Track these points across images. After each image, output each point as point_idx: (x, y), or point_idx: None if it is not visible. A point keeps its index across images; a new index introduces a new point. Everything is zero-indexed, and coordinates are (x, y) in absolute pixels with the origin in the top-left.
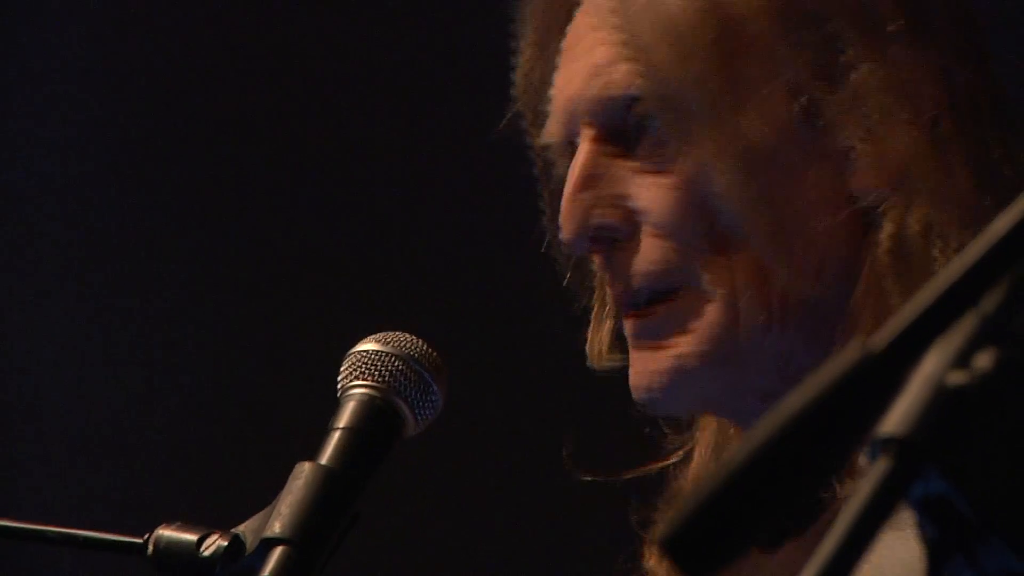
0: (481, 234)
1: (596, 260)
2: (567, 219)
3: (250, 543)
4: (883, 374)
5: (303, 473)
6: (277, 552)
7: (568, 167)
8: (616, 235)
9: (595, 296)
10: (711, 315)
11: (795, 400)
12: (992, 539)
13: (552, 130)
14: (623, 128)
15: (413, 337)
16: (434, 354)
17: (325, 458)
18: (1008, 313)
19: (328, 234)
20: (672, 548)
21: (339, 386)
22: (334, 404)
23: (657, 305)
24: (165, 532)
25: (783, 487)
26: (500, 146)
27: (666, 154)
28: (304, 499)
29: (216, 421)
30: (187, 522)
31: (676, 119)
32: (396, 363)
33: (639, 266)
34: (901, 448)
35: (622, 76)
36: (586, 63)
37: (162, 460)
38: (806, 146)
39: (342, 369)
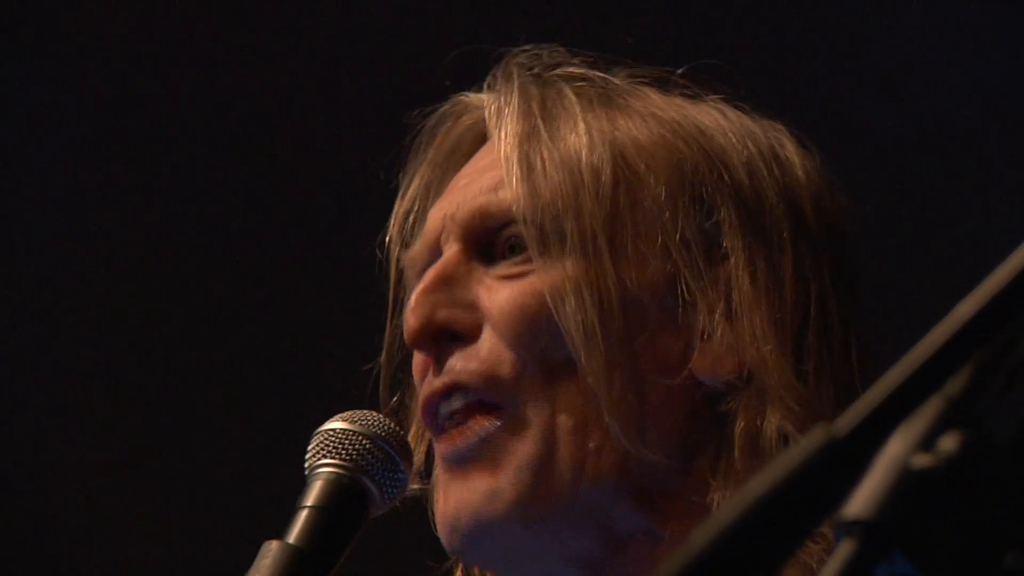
0: None
1: (423, 363)
2: (416, 311)
3: None
4: (848, 457)
5: (271, 552)
6: None
7: (423, 267)
8: (458, 333)
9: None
10: (526, 448)
11: (759, 483)
12: None
13: (419, 248)
14: (491, 244)
15: (380, 416)
16: (401, 433)
17: (293, 536)
18: (972, 397)
19: (299, 314)
20: None
21: (307, 465)
22: (302, 483)
23: (472, 423)
24: None
25: (745, 571)
26: None
27: (527, 269)
28: None
29: (184, 499)
30: None
31: (548, 246)
32: (363, 442)
33: (470, 365)
34: (866, 530)
35: (506, 198)
36: (473, 184)
37: (131, 540)
38: (664, 310)
39: (310, 448)
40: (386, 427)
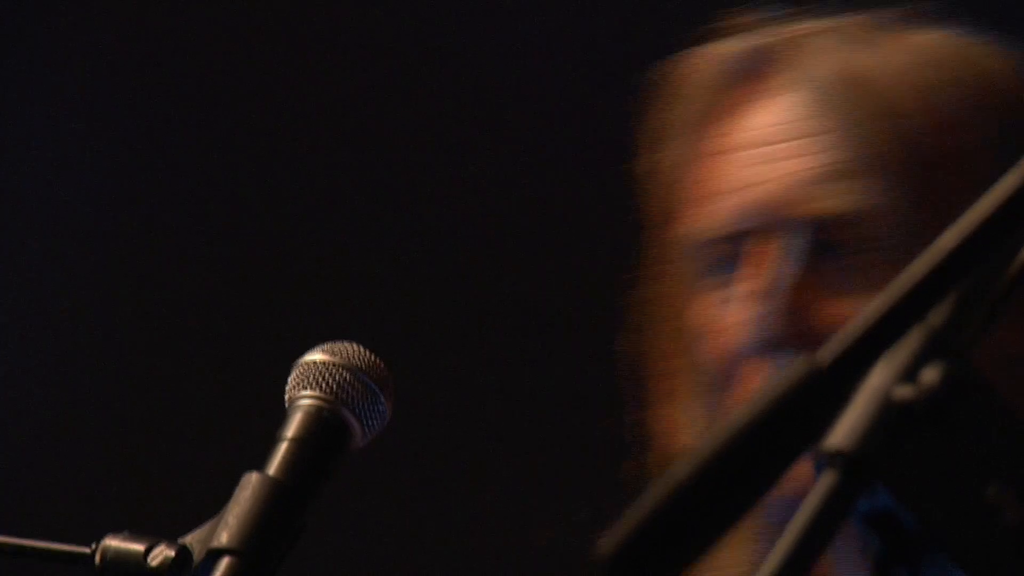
0: (444, 240)
1: (749, 370)
2: (761, 324)
3: (197, 553)
4: (829, 388)
5: (250, 484)
6: (224, 563)
7: (721, 256)
8: (803, 342)
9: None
10: None
11: (741, 414)
12: (936, 554)
13: (731, 223)
14: (829, 241)
15: (361, 348)
16: (381, 365)
17: (272, 469)
18: (954, 327)
19: (281, 247)
20: (614, 566)
21: (287, 396)
22: (282, 414)
23: None
24: (112, 542)
25: (727, 502)
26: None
27: (876, 278)
28: (251, 510)
29: (163, 429)
30: (134, 532)
31: (901, 246)
32: (344, 374)
33: None
34: (847, 462)
35: (849, 193)
36: (801, 166)
37: (108, 468)
38: None
39: (290, 379)
40: (367, 360)
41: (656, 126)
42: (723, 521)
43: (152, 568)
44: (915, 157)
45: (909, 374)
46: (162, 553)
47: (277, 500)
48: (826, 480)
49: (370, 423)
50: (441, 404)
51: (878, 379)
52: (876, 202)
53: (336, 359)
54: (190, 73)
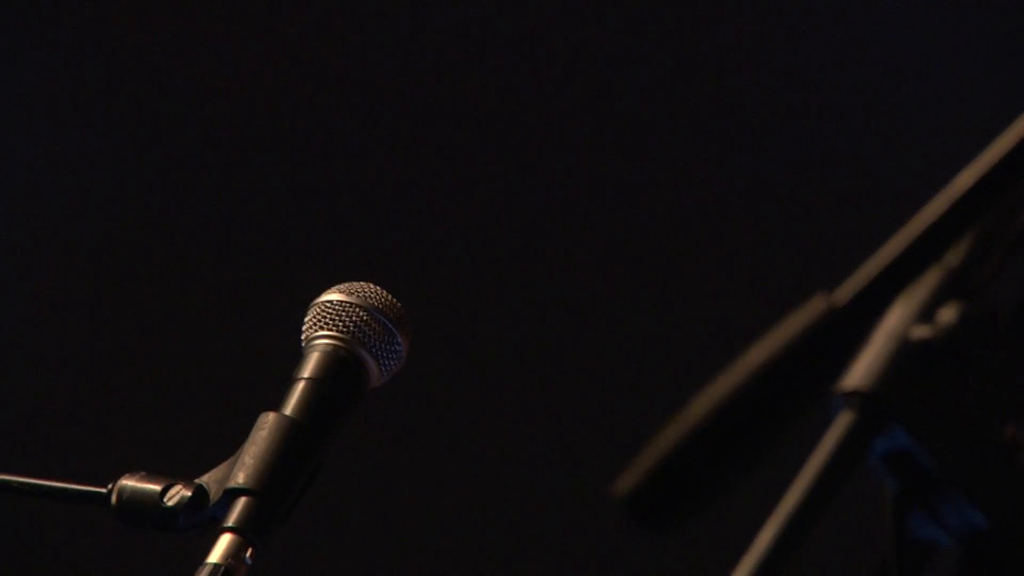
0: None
1: None
2: None
3: (214, 493)
4: (847, 328)
5: (267, 424)
6: (241, 502)
7: None
8: None
9: None
10: None
11: (758, 354)
12: (954, 493)
13: None
14: None
15: (377, 288)
16: (398, 305)
17: (289, 408)
18: (972, 267)
19: (294, 185)
20: (633, 506)
21: (303, 336)
22: (298, 354)
23: None
24: (129, 482)
25: (744, 442)
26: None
27: None
28: (268, 450)
29: (179, 371)
30: (151, 472)
31: None
32: (360, 314)
33: None
34: (865, 402)
35: None
36: None
37: (126, 409)
38: None
39: (306, 319)
40: (383, 299)
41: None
42: (740, 462)
43: (169, 507)
44: None
45: (927, 314)
46: (179, 493)
47: (294, 440)
48: (843, 419)
49: (387, 362)
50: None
51: (896, 319)
52: None
53: (352, 299)
54: (189, 60)
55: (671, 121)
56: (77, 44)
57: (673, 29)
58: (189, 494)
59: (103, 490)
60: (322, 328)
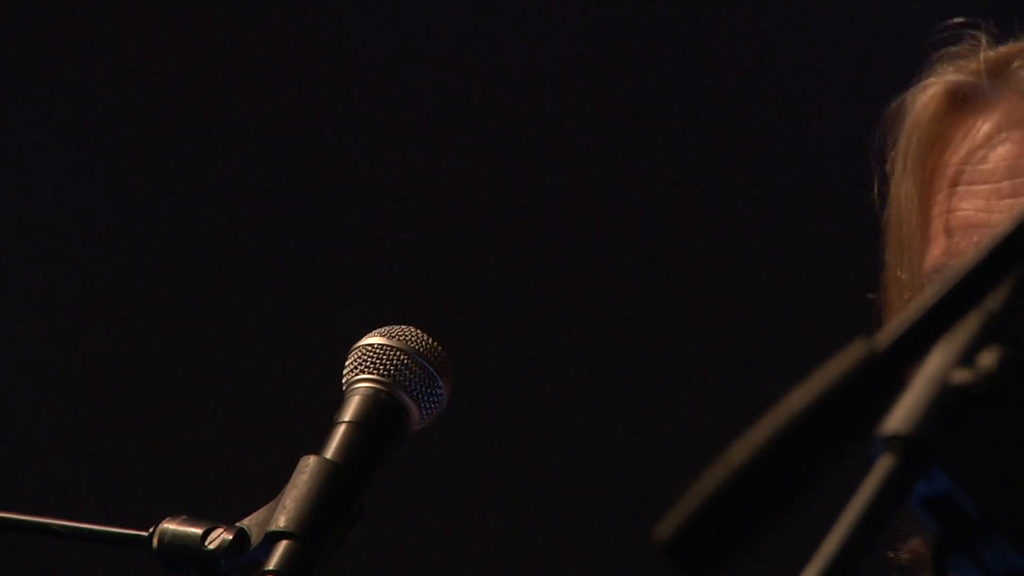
0: (491, 230)
1: None
2: None
3: (255, 537)
4: (887, 372)
5: (308, 467)
6: (282, 546)
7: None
8: None
9: None
10: None
11: (798, 398)
12: (995, 537)
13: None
14: None
15: (418, 331)
16: (439, 348)
17: (330, 452)
18: (1012, 312)
19: (336, 226)
20: (672, 550)
21: (344, 380)
22: (339, 399)
23: None
24: (170, 526)
25: (785, 487)
26: (508, 140)
27: None
28: (309, 493)
29: (221, 415)
30: (192, 516)
31: None
32: (401, 357)
33: None
34: (905, 446)
35: None
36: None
37: (167, 454)
38: None
39: (347, 363)
40: (425, 343)
41: (885, 161)
42: (780, 506)
43: (210, 551)
44: None
45: (967, 358)
46: (220, 536)
47: (335, 483)
48: (884, 464)
49: (428, 406)
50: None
51: (936, 363)
52: None
53: (394, 342)
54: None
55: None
56: (85, 43)
57: (676, 28)
58: (230, 537)
59: (144, 533)
60: (363, 372)
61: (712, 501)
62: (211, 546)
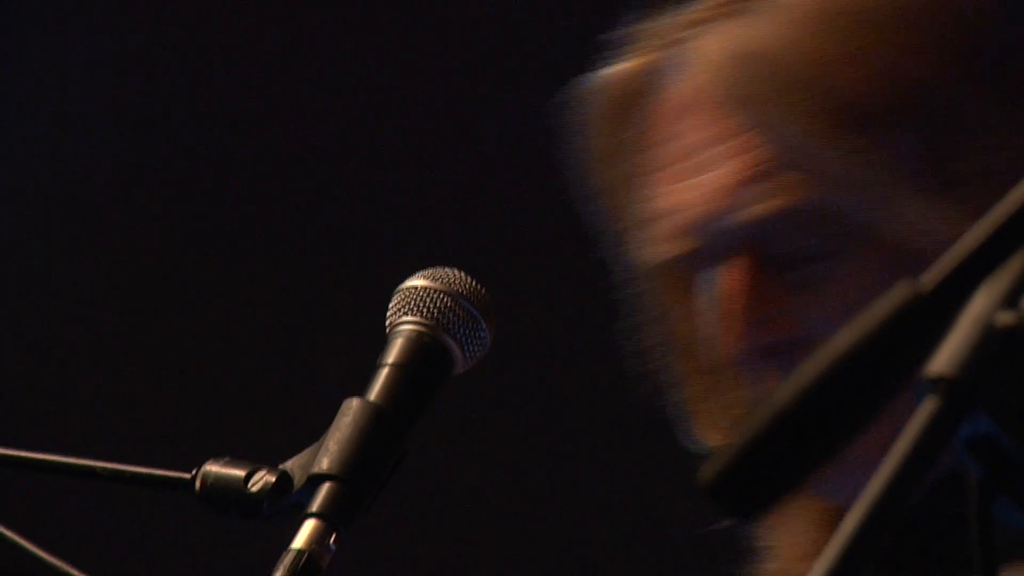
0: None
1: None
2: (736, 336)
3: (298, 479)
4: (932, 314)
5: (351, 409)
6: (325, 488)
7: (682, 276)
8: (792, 347)
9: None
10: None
11: (843, 339)
12: None
13: (672, 247)
14: (775, 246)
15: (462, 273)
16: (483, 291)
17: (373, 394)
18: None
19: (382, 170)
20: (716, 492)
21: (388, 322)
22: (383, 340)
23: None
24: (213, 468)
25: (830, 428)
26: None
27: (831, 269)
28: (352, 436)
29: (265, 356)
30: (235, 458)
31: (842, 232)
32: (445, 300)
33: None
34: (950, 388)
35: (777, 192)
36: (718, 179)
37: (211, 395)
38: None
39: (391, 305)
40: (468, 285)
41: (578, 153)
42: (824, 449)
43: (252, 493)
44: (841, 130)
45: (1012, 300)
46: (263, 478)
47: (378, 426)
48: (928, 406)
49: (471, 349)
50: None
51: (980, 304)
52: (805, 195)
53: (437, 284)
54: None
55: None
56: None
57: None
58: (273, 480)
59: (187, 476)
60: (407, 314)
61: (756, 443)
62: (253, 489)
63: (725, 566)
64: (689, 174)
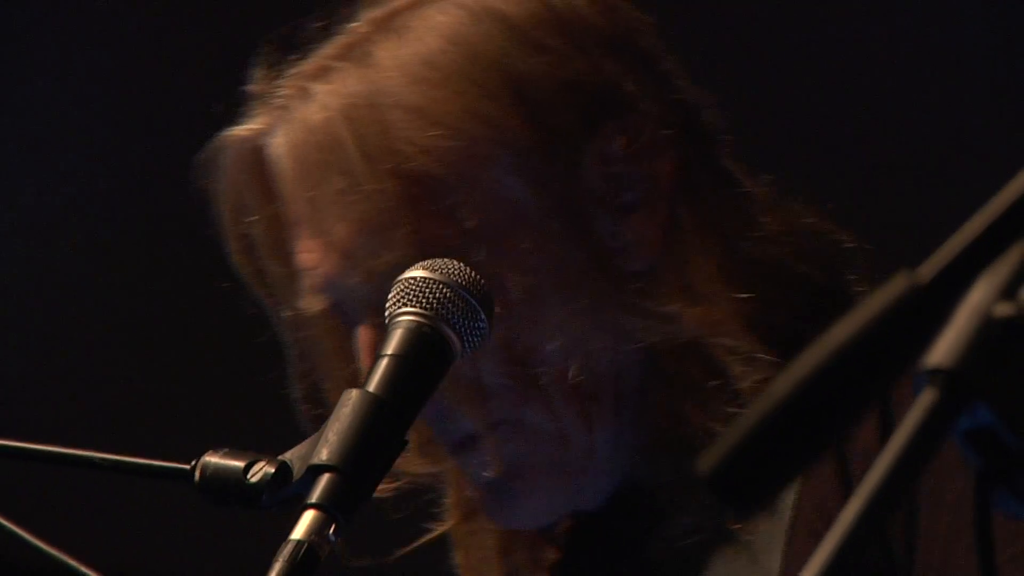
0: None
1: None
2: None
3: (297, 470)
4: (929, 305)
5: (351, 400)
6: (324, 479)
7: (325, 327)
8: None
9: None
10: (544, 444)
11: (841, 331)
12: None
13: (313, 303)
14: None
15: (461, 264)
16: (481, 281)
17: (373, 385)
18: None
19: None
20: (714, 482)
21: (387, 313)
22: (382, 331)
23: (480, 440)
24: (212, 459)
25: (827, 420)
26: None
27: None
28: (351, 426)
29: (263, 348)
30: (234, 449)
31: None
32: (443, 290)
33: (450, 414)
34: (948, 379)
35: (381, 250)
36: (335, 238)
37: (211, 386)
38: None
39: (390, 296)
40: (467, 276)
41: (216, 213)
42: (822, 438)
43: (252, 484)
44: (405, 187)
45: (1010, 291)
46: (262, 469)
47: (377, 416)
48: (926, 397)
49: (470, 338)
50: None
51: (978, 296)
52: (412, 249)
53: (436, 275)
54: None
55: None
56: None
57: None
58: (272, 471)
59: (186, 467)
60: (406, 304)
61: (754, 433)
62: (253, 479)
63: None
64: (312, 234)
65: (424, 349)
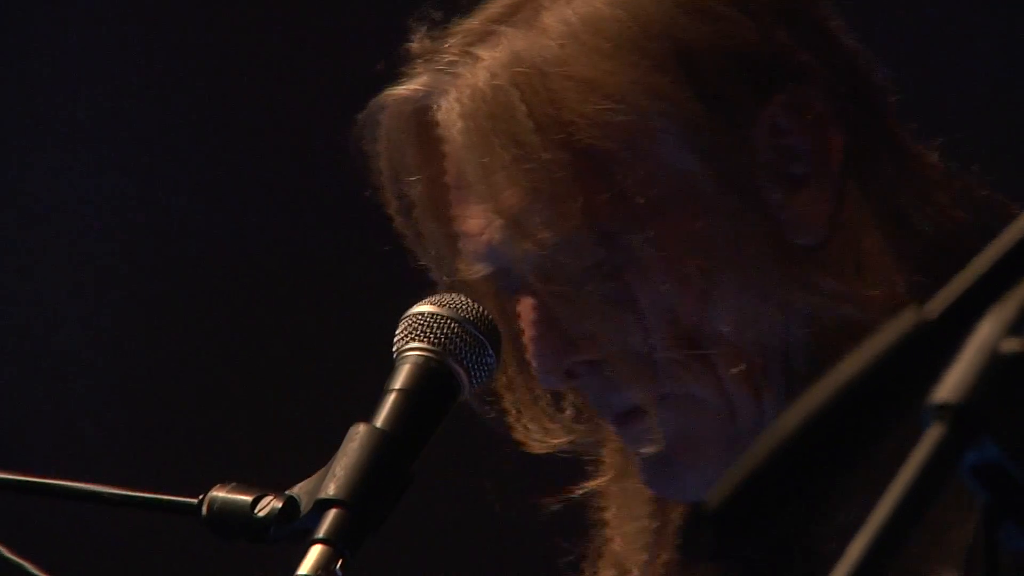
0: None
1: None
2: (541, 361)
3: (304, 504)
4: (937, 341)
5: (358, 435)
6: (331, 514)
7: (482, 293)
8: (589, 368)
9: (505, 385)
10: (711, 419)
11: (848, 367)
12: None
13: (473, 270)
14: (558, 271)
15: (469, 300)
16: (489, 317)
17: (380, 420)
18: None
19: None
20: (719, 518)
21: (395, 348)
22: (390, 366)
23: (645, 413)
24: (219, 493)
25: (834, 456)
26: None
27: (617, 289)
28: (358, 461)
29: (272, 383)
30: (241, 483)
31: (622, 253)
32: (451, 326)
33: (616, 387)
34: (955, 415)
35: (551, 221)
36: (499, 207)
37: (217, 422)
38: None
39: (398, 331)
40: (475, 311)
41: (376, 176)
42: (829, 475)
43: (259, 519)
44: (571, 161)
45: (1017, 327)
46: (269, 504)
47: (384, 451)
48: (934, 433)
49: (478, 374)
50: None
51: (986, 331)
52: (580, 220)
53: (444, 311)
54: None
55: None
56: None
57: None
58: (280, 505)
59: (194, 501)
60: (414, 340)
61: (760, 470)
62: (260, 514)
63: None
64: (478, 199)
65: (432, 384)
